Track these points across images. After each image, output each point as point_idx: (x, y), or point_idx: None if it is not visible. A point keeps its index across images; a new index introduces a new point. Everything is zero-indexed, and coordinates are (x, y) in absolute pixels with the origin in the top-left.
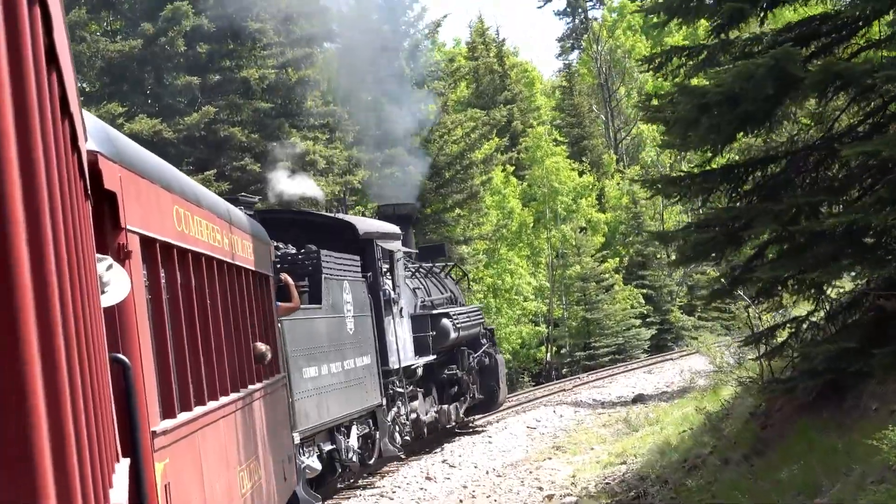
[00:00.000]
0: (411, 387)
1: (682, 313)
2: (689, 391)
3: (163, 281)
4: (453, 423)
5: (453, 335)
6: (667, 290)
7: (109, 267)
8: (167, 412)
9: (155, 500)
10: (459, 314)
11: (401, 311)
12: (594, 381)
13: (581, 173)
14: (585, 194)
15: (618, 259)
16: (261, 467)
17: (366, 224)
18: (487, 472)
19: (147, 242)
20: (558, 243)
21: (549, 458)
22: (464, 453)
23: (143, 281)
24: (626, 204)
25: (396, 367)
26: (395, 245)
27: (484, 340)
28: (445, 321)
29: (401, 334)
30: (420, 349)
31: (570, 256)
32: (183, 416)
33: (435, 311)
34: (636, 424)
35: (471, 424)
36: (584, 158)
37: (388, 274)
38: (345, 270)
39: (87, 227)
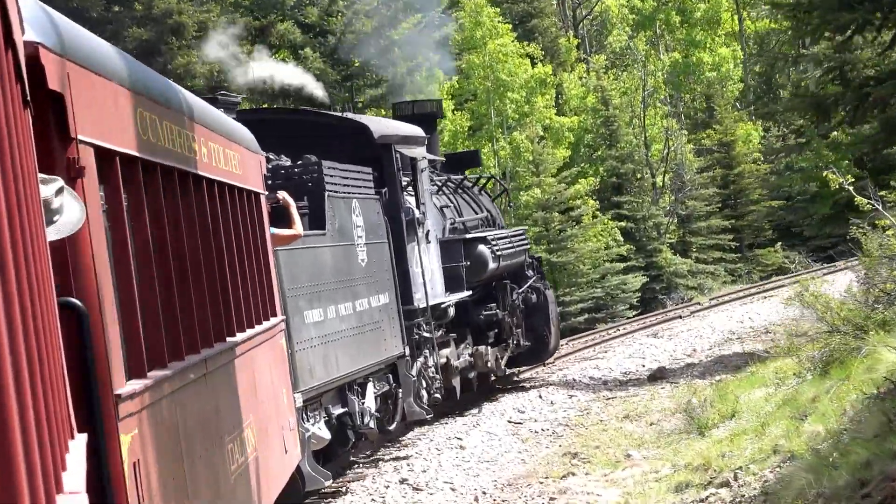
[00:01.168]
0: (441, 331)
1: (672, 254)
2: (730, 362)
3: (125, 205)
4: (492, 376)
5: (492, 265)
6: (652, 222)
7: (59, 191)
8: (135, 371)
9: (121, 484)
10: (499, 239)
11: (427, 235)
12: (582, 350)
13: (534, 61)
14: (541, 91)
15: (589, 179)
16: (254, 437)
17: (382, 125)
18: (477, 500)
19: (104, 156)
20: (508, 159)
21: (571, 474)
22: (430, 466)
23: (100, 206)
24: (593, 105)
25: (422, 306)
26: (419, 152)
27: (530, 272)
28: (482, 248)
29: (427, 265)
30: (451, 284)
31: (526, 177)
32: (154, 376)
33: (469, 235)
34: (703, 419)
35: (515, 377)
36: (533, 43)
37: (411, 189)
38: (354, 186)
39: (26, 140)
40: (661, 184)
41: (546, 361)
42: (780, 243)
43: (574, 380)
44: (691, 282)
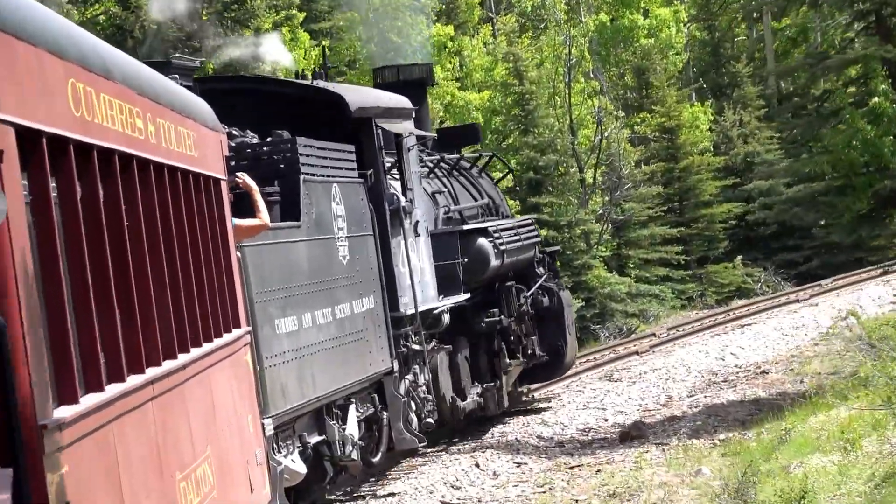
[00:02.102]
0: (434, 342)
1: (607, 271)
2: (728, 414)
3: (54, 195)
4: (499, 400)
5: (494, 262)
6: (580, 230)
7: None
8: (65, 395)
9: None
10: (503, 230)
11: (415, 226)
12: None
13: (431, 21)
14: (441, 58)
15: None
16: (213, 474)
17: (360, 96)
18: None
19: (28, 137)
20: None
21: None
22: None
23: (23, 197)
24: (502, 79)
25: (410, 312)
26: (406, 126)
27: (541, 270)
28: (483, 241)
29: (416, 263)
30: (445, 285)
31: None
32: (89, 401)
33: (467, 227)
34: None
35: (526, 397)
36: None
37: (396, 171)
38: (334, 167)
39: None
40: (591, 180)
41: (561, 377)
42: (739, 257)
43: (517, 440)
44: (631, 307)
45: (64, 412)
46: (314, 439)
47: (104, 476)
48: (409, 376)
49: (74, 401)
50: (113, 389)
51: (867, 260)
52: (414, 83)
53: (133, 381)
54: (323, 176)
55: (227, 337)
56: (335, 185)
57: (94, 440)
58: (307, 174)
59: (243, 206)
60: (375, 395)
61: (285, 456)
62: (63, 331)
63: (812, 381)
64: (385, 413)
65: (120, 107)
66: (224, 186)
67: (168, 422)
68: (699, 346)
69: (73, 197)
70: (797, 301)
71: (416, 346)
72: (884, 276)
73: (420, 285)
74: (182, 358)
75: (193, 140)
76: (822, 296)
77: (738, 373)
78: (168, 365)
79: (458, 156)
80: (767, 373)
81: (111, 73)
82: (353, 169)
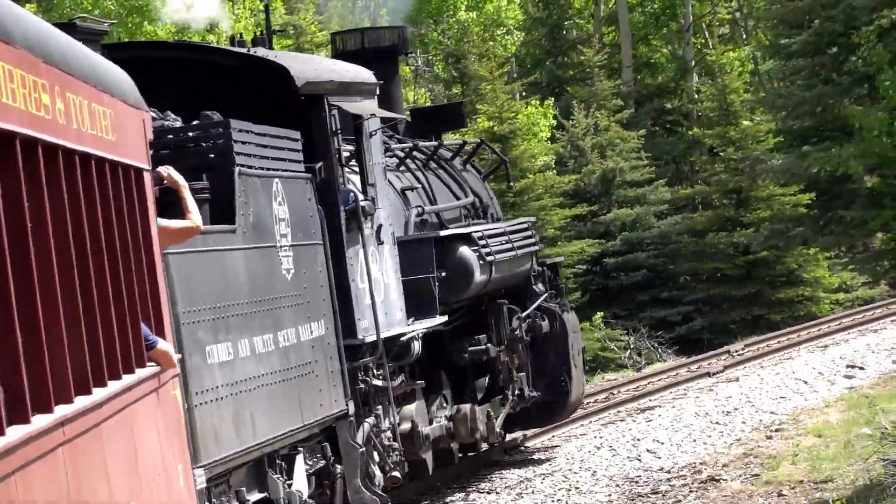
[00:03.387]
0: (402, 377)
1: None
2: None
3: None
4: (483, 445)
5: (480, 277)
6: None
7: None
8: None
9: None
10: (491, 236)
11: (378, 231)
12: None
13: None
14: None
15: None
16: None
17: (309, 66)
18: None
19: None
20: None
21: None
22: None
23: None
24: None
25: (371, 339)
26: (367, 106)
27: (539, 286)
28: (464, 250)
29: (380, 277)
30: (417, 305)
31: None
32: None
33: (445, 232)
34: None
35: (518, 447)
36: None
37: (355, 162)
38: (277, 158)
39: None
40: None
41: (565, 420)
42: (599, 314)
43: None
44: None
45: None
46: (254, 496)
47: None
48: (370, 419)
49: None
50: (15, 433)
51: (782, 320)
52: (383, 52)
53: (40, 421)
54: (262, 169)
55: (151, 367)
56: (277, 180)
57: None
58: (243, 166)
59: (168, 205)
60: (327, 444)
61: None
62: None
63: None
64: (338, 466)
65: (23, 78)
66: (147, 179)
67: (82, 472)
68: (594, 440)
69: None
70: (708, 375)
71: (379, 383)
72: (817, 341)
73: (383, 305)
74: (98, 393)
75: (111, 120)
76: (740, 367)
77: (669, 480)
78: (81, 402)
79: (436, 143)
80: (718, 480)
81: (11, 36)
82: (299, 161)
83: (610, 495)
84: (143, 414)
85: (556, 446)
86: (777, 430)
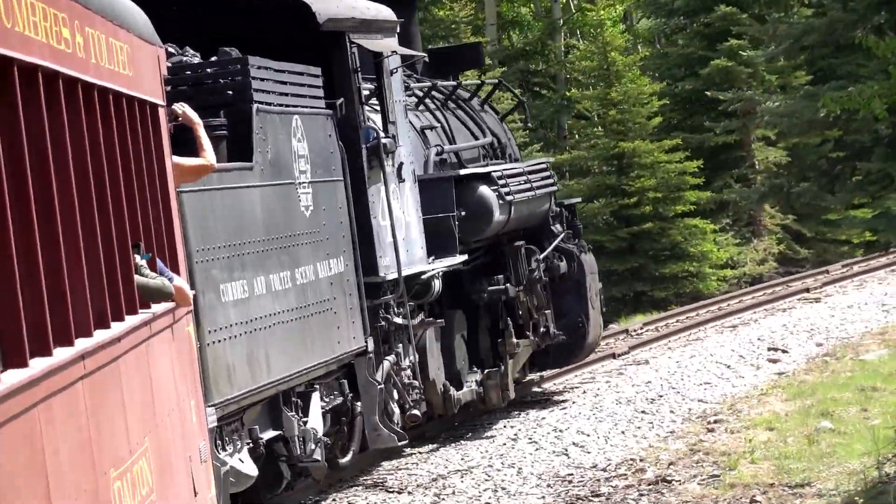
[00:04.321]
0: (421, 315)
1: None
2: None
3: None
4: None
5: (499, 216)
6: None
7: None
8: None
9: None
10: (511, 176)
11: (399, 169)
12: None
13: None
14: None
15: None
16: (151, 473)
17: (330, 4)
18: None
19: None
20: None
21: None
22: None
23: None
24: None
25: (392, 277)
26: (388, 44)
27: (558, 227)
28: (484, 189)
29: (401, 215)
30: (437, 244)
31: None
32: (11, 378)
33: (465, 171)
34: None
35: (535, 388)
36: None
37: (376, 100)
38: (296, 94)
39: None
40: None
41: (583, 361)
42: None
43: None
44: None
45: None
46: (268, 435)
47: (28, 472)
48: (391, 357)
49: None
50: (38, 364)
51: (666, 297)
52: None
53: (61, 354)
54: (281, 106)
55: (163, 306)
56: (296, 117)
57: (18, 427)
58: (262, 103)
59: (182, 142)
60: (345, 381)
61: (231, 454)
62: None
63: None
64: (357, 403)
65: (44, 11)
66: (162, 114)
67: (101, 406)
68: (507, 430)
69: None
70: (613, 357)
71: (399, 320)
72: (723, 321)
73: (405, 243)
74: (116, 327)
75: (127, 55)
76: (645, 348)
77: (609, 479)
78: (100, 335)
79: (454, 83)
80: (669, 481)
81: None
82: (319, 98)
83: (544, 497)
84: (158, 349)
85: (465, 434)
86: (716, 422)
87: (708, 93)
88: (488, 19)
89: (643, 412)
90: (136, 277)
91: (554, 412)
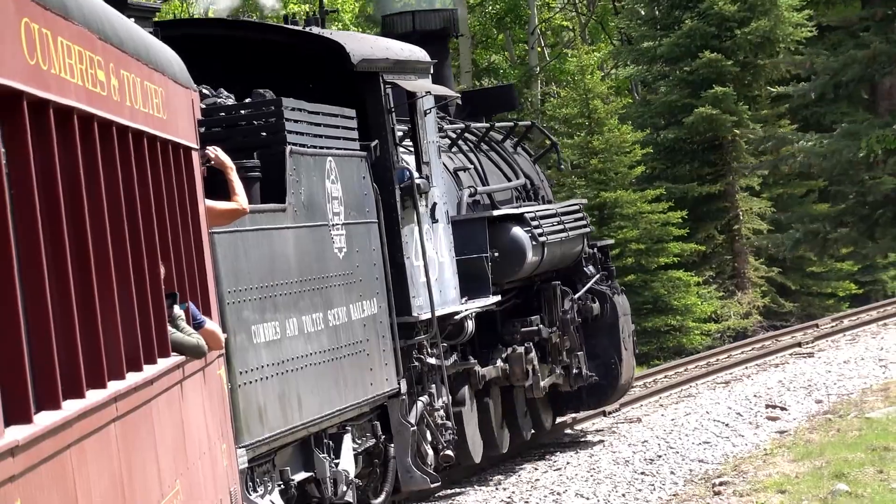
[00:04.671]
0: (455, 356)
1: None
2: None
3: (3, 160)
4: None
5: (532, 257)
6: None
7: None
8: (16, 412)
9: None
10: (544, 217)
11: (432, 210)
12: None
13: None
14: None
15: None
16: None
17: (364, 45)
18: None
19: None
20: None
21: None
22: None
23: None
24: None
25: (426, 317)
26: (422, 85)
27: (591, 268)
28: (517, 231)
29: (434, 255)
30: (470, 285)
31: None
32: (45, 420)
33: (498, 212)
34: None
35: (569, 429)
36: None
37: (410, 141)
38: (330, 136)
39: None
40: None
41: (615, 402)
42: None
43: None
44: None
45: (16, 433)
46: (299, 476)
47: None
48: (424, 398)
49: (27, 419)
50: (71, 406)
51: (649, 352)
52: (433, 35)
53: (94, 396)
54: (315, 147)
55: None
56: (330, 159)
57: (51, 469)
58: (295, 145)
59: (214, 185)
60: (378, 423)
61: (262, 496)
62: (13, 333)
63: None
64: (390, 445)
65: (80, 54)
66: (196, 157)
67: (133, 448)
68: (498, 492)
69: (26, 163)
70: (604, 414)
71: (433, 361)
72: (714, 377)
73: (438, 284)
74: (149, 370)
75: (162, 98)
76: (636, 405)
77: None
78: (133, 378)
79: (487, 125)
80: None
81: (69, 12)
82: (353, 139)
83: None
84: (190, 392)
85: (457, 493)
86: (722, 484)
87: (739, 134)
88: (463, 66)
89: (643, 473)
90: (173, 332)
91: (548, 473)
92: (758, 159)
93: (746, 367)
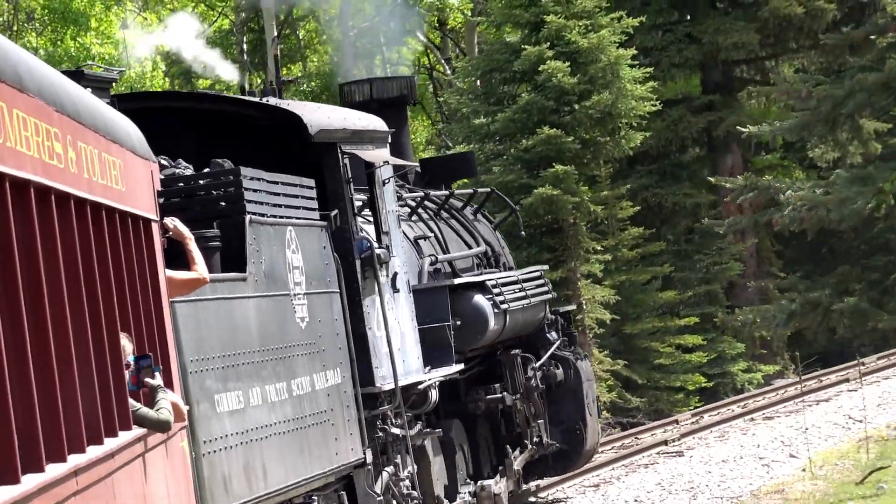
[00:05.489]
0: (419, 426)
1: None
2: None
3: None
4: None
5: (494, 325)
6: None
7: None
8: None
9: None
10: (505, 284)
11: (394, 279)
12: None
13: None
14: None
15: None
16: None
17: (322, 115)
18: None
19: None
20: None
21: None
22: None
23: None
24: None
25: (389, 387)
26: (380, 154)
27: (553, 334)
28: (479, 299)
29: (396, 325)
30: (433, 353)
31: None
32: (2, 496)
33: (460, 280)
34: None
35: (532, 498)
36: None
37: (369, 210)
38: (290, 206)
39: None
40: None
41: (576, 471)
42: None
43: None
44: None
45: None
46: None
47: None
48: (389, 468)
49: None
50: (30, 481)
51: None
52: (391, 102)
53: (53, 470)
54: (275, 217)
55: None
56: (291, 228)
57: None
58: (255, 214)
59: (174, 255)
60: (344, 493)
61: None
62: None
63: None
64: None
65: (36, 126)
66: (156, 228)
67: None
68: None
69: None
70: None
71: (397, 431)
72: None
73: (401, 353)
74: (109, 443)
75: (120, 170)
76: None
77: None
78: (93, 451)
79: (446, 192)
80: None
81: (24, 83)
82: (313, 209)
83: None
84: (152, 465)
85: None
86: None
87: (579, 217)
88: None
89: None
90: (139, 407)
91: None
92: (691, 222)
93: (613, 469)
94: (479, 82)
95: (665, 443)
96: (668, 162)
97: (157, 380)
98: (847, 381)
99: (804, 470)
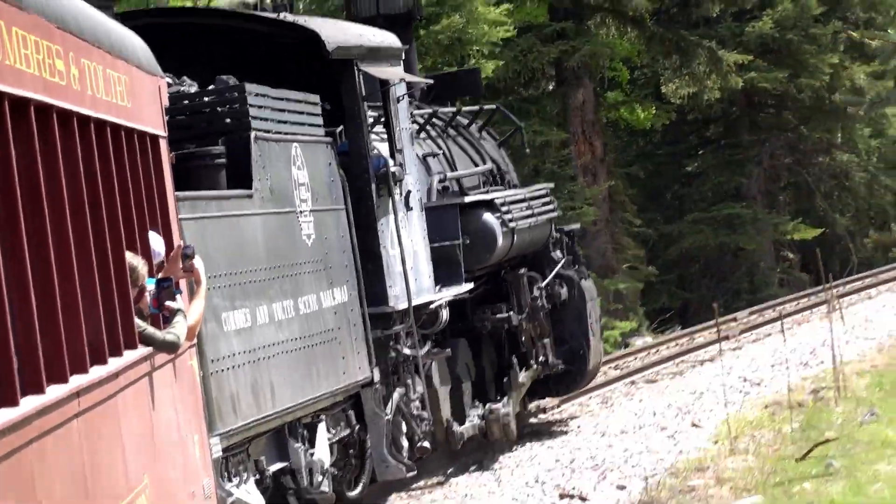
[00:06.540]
0: (429, 345)
1: None
2: None
3: None
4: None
5: (502, 243)
6: None
7: None
8: None
9: None
10: (512, 202)
11: (407, 197)
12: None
13: None
14: None
15: None
16: None
17: (339, 31)
18: None
19: None
20: None
21: None
22: None
23: None
24: None
25: (402, 307)
26: (394, 72)
27: (558, 253)
28: (488, 217)
29: (409, 244)
30: (442, 272)
31: None
32: (1, 418)
33: (469, 198)
34: None
35: (535, 418)
36: None
37: (383, 127)
38: (295, 122)
39: None
40: None
41: (578, 391)
42: None
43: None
44: None
45: None
46: (274, 466)
47: None
48: (400, 389)
49: None
50: (29, 403)
51: None
52: (398, 18)
53: (54, 392)
54: (280, 133)
55: None
56: (296, 145)
57: (8, 468)
58: (260, 131)
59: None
60: (352, 412)
61: (237, 486)
62: None
63: None
64: (365, 435)
65: (36, 44)
66: (163, 146)
67: (97, 444)
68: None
69: None
70: None
71: (408, 351)
72: None
73: (413, 272)
74: (113, 363)
75: (126, 87)
76: None
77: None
78: (97, 372)
79: (453, 109)
80: None
81: (26, 3)
82: (318, 125)
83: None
84: (159, 384)
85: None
86: None
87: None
88: None
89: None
90: (145, 327)
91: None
92: (540, 162)
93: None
94: None
95: (544, 410)
96: (516, 97)
97: (179, 303)
98: (727, 338)
99: (716, 442)
